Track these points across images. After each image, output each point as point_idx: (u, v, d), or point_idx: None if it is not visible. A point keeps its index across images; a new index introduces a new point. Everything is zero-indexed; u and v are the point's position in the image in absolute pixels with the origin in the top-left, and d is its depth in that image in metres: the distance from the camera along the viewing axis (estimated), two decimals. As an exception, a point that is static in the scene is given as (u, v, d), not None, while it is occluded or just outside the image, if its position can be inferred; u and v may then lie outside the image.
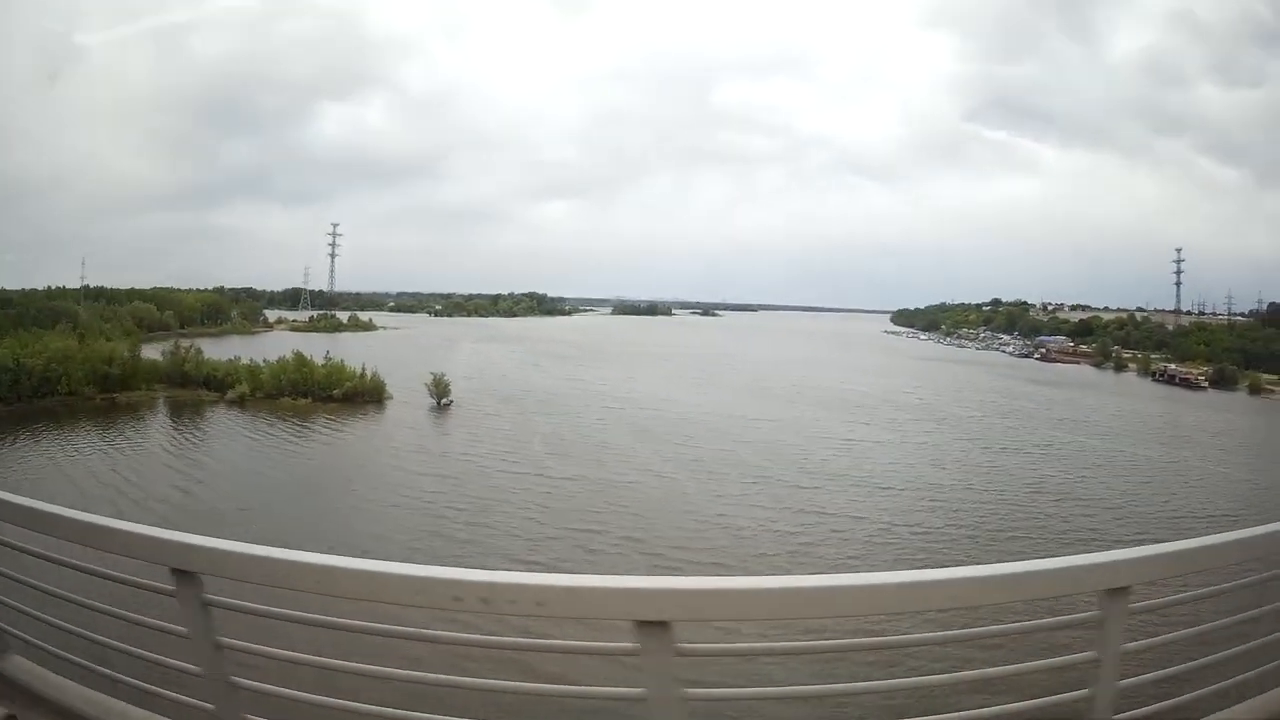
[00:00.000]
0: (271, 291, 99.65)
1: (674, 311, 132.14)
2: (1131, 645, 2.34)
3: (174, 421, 48.88)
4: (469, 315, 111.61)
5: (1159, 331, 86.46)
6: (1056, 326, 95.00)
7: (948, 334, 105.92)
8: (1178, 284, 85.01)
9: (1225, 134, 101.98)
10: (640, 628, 2.11)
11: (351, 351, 60.23)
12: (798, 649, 2.50)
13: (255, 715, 2.72)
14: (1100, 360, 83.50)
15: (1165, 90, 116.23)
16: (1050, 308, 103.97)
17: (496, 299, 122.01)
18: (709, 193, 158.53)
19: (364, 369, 53.01)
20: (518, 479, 34.91)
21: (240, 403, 51.52)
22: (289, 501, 31.80)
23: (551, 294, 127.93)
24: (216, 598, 2.59)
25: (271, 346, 61.59)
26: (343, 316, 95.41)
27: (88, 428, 46.76)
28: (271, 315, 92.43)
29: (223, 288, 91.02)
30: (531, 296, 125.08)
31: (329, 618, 2.65)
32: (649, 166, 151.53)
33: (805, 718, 10.29)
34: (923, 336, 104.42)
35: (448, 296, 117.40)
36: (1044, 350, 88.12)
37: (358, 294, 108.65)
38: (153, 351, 57.55)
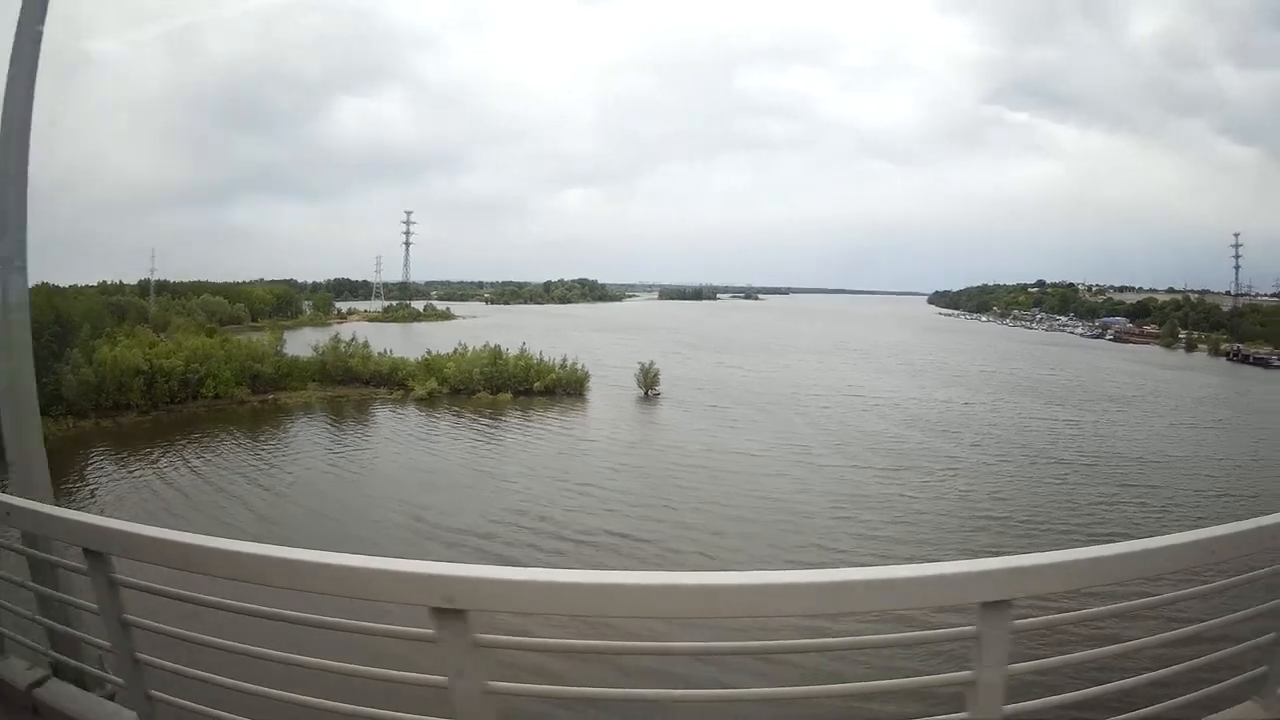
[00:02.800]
0: (316, 283, 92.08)
1: (718, 296, 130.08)
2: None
3: (402, 425, 43.05)
4: (525, 303, 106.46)
5: (1215, 313, 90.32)
6: (1113, 308, 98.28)
7: (1003, 315, 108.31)
8: (1236, 267, 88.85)
9: (1241, 114, 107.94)
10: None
11: (473, 340, 54.71)
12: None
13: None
14: (1169, 341, 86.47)
15: (1182, 72, 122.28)
16: (1095, 289, 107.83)
17: (548, 285, 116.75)
18: (732, 179, 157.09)
19: (565, 361, 48.52)
20: (891, 478, 32.63)
21: (429, 400, 46.05)
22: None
23: (571, 278, 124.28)
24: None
25: (373, 338, 54.82)
26: (418, 306, 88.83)
27: (295, 436, 40.70)
28: (343, 306, 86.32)
29: (294, 280, 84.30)
30: (582, 283, 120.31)
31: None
32: (670, 154, 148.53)
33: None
34: (982, 319, 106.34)
35: (478, 285, 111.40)
36: (1114, 332, 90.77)
37: (403, 283, 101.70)
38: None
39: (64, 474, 32.43)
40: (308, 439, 40.57)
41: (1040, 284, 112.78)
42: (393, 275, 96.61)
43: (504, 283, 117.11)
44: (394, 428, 42.82)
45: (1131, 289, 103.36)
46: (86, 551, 2.64)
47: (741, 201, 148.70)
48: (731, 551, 24.27)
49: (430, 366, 48.65)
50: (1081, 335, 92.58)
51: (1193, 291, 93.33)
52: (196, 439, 40.38)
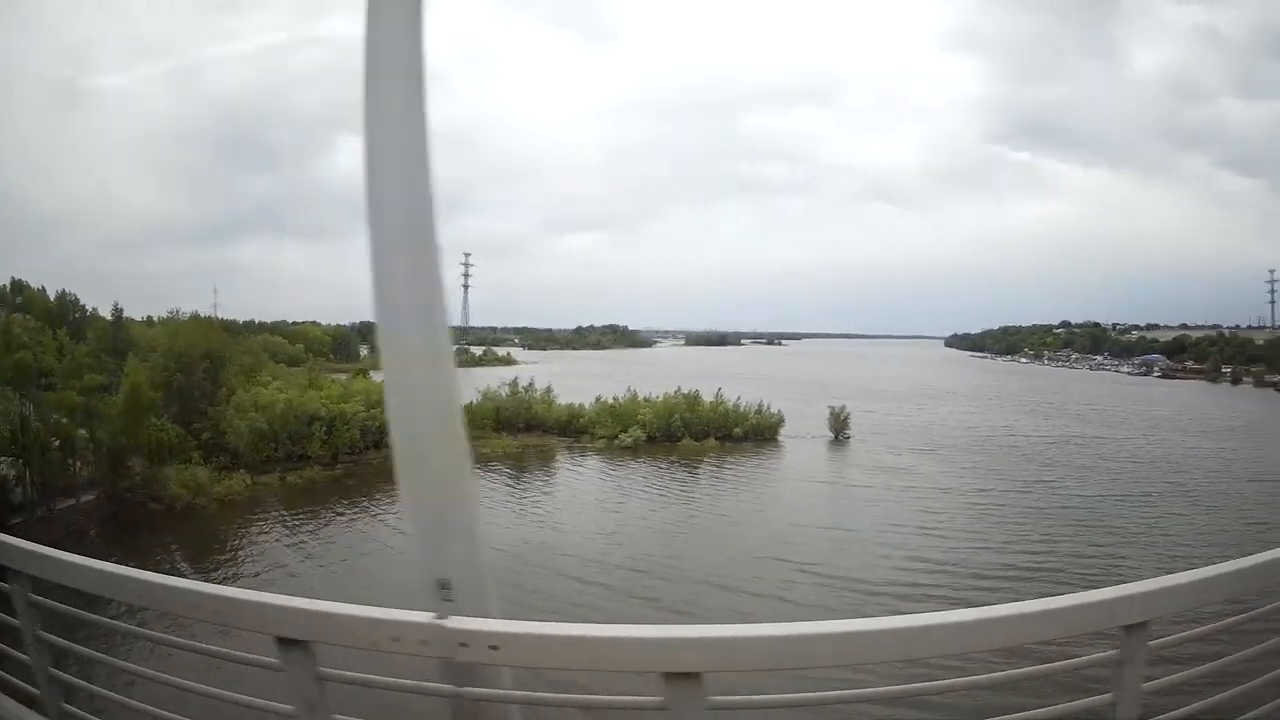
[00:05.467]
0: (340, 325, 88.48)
1: (742, 341, 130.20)
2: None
3: (658, 477, 40.93)
4: (561, 348, 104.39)
5: (1249, 346, 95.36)
6: (1148, 346, 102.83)
7: (1037, 356, 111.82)
8: (1271, 302, 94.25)
9: (1244, 147, 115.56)
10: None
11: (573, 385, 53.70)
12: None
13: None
14: (1214, 376, 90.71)
15: (1185, 105, 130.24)
16: (1119, 328, 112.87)
17: (578, 330, 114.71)
18: (737, 223, 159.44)
19: (761, 406, 47.10)
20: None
21: (633, 448, 43.75)
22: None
23: (584, 325, 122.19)
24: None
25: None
26: (476, 351, 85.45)
27: (568, 488, 39.09)
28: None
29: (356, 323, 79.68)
30: (612, 329, 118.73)
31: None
32: (675, 197, 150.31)
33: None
34: (1022, 360, 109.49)
35: (492, 329, 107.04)
36: (1160, 369, 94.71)
37: (463, 328, 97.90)
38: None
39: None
40: (585, 492, 38.86)
41: (1065, 324, 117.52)
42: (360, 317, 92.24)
43: (519, 328, 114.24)
44: (656, 480, 40.45)
45: (1158, 326, 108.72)
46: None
47: (747, 245, 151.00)
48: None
49: (615, 413, 46.26)
50: (1128, 373, 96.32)
51: (1225, 327, 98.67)
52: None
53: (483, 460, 41.84)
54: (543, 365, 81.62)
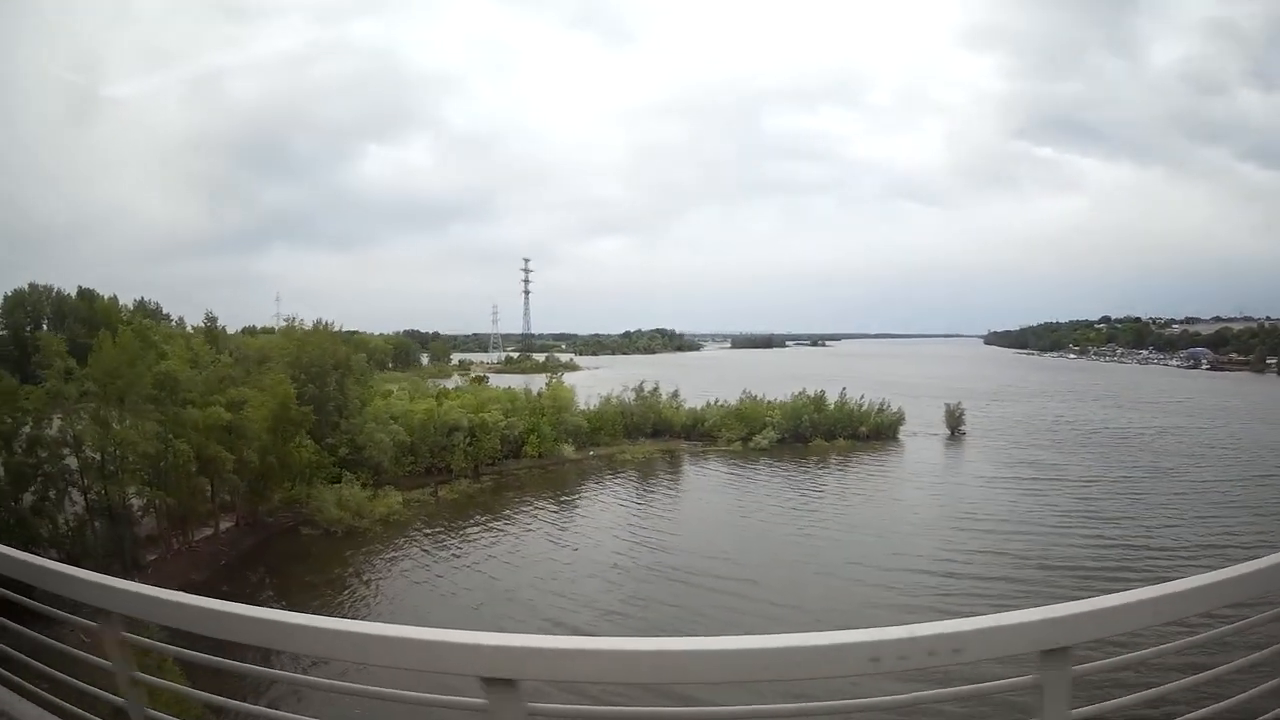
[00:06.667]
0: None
1: (786, 343, 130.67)
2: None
3: (844, 476, 40.93)
4: (612, 353, 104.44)
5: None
6: (1191, 339, 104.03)
7: (1082, 351, 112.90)
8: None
9: (1264, 138, 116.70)
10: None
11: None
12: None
13: None
14: (1260, 367, 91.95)
15: (1205, 98, 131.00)
16: (1158, 322, 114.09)
17: (627, 335, 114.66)
18: (764, 223, 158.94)
19: (883, 405, 47.47)
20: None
21: (766, 449, 43.88)
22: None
23: (613, 330, 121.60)
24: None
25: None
26: (538, 357, 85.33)
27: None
28: (460, 358, 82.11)
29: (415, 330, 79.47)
30: (661, 333, 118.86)
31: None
32: (701, 199, 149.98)
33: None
34: (1069, 356, 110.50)
35: (522, 337, 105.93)
36: (1207, 361, 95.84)
37: (525, 335, 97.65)
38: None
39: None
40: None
41: (1105, 319, 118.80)
42: (391, 326, 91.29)
43: (556, 334, 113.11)
44: (842, 480, 40.86)
45: (1196, 319, 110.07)
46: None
47: (778, 245, 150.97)
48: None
49: (741, 415, 46.33)
50: (1177, 366, 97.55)
51: (1266, 319, 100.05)
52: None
53: (612, 467, 42.02)
54: (606, 370, 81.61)
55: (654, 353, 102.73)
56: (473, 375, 67.62)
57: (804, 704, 2.14)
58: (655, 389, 47.14)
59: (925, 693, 2.17)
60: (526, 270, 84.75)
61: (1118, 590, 2.24)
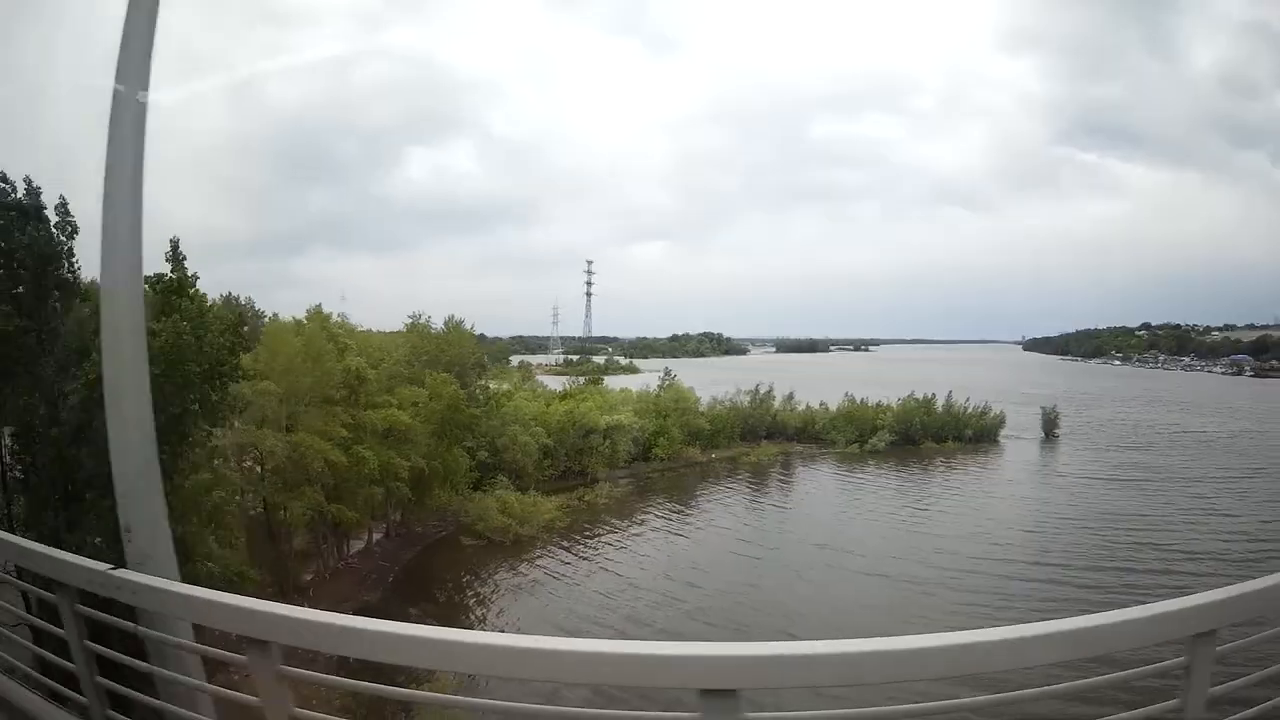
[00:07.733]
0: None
1: (830, 348, 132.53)
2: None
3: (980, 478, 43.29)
4: (662, 357, 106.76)
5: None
6: (1233, 347, 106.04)
7: (1125, 359, 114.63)
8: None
9: None
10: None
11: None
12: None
13: None
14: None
15: (1241, 101, 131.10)
16: (1198, 329, 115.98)
17: (674, 338, 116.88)
18: (808, 229, 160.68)
19: (985, 409, 49.95)
20: None
21: (879, 451, 46.38)
22: None
23: (654, 334, 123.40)
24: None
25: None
26: (599, 359, 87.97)
27: None
28: (520, 360, 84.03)
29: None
30: (708, 337, 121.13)
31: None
32: (746, 205, 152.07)
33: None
34: (1114, 362, 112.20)
35: (582, 340, 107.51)
36: (1250, 368, 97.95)
37: (585, 338, 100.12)
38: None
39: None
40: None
41: (1146, 326, 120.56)
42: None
43: (600, 337, 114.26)
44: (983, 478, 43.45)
45: (1234, 326, 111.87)
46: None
47: (821, 250, 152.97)
48: None
49: (851, 418, 48.86)
50: (1221, 373, 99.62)
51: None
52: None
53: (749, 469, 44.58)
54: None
55: (703, 356, 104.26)
56: (533, 374, 68.91)
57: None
58: (770, 391, 49.66)
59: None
60: (589, 272, 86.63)
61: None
